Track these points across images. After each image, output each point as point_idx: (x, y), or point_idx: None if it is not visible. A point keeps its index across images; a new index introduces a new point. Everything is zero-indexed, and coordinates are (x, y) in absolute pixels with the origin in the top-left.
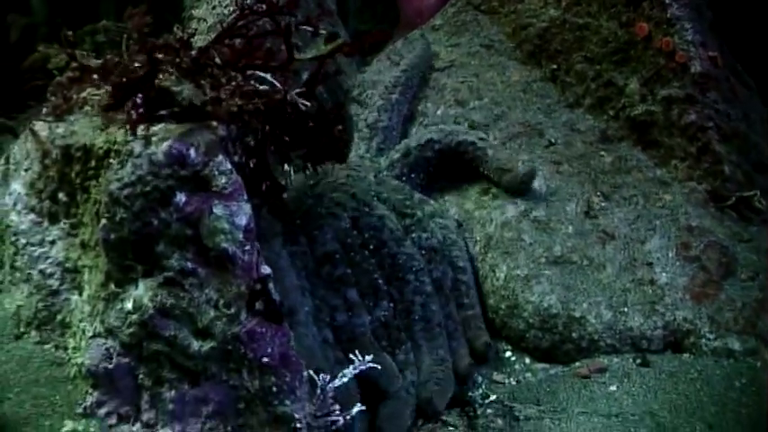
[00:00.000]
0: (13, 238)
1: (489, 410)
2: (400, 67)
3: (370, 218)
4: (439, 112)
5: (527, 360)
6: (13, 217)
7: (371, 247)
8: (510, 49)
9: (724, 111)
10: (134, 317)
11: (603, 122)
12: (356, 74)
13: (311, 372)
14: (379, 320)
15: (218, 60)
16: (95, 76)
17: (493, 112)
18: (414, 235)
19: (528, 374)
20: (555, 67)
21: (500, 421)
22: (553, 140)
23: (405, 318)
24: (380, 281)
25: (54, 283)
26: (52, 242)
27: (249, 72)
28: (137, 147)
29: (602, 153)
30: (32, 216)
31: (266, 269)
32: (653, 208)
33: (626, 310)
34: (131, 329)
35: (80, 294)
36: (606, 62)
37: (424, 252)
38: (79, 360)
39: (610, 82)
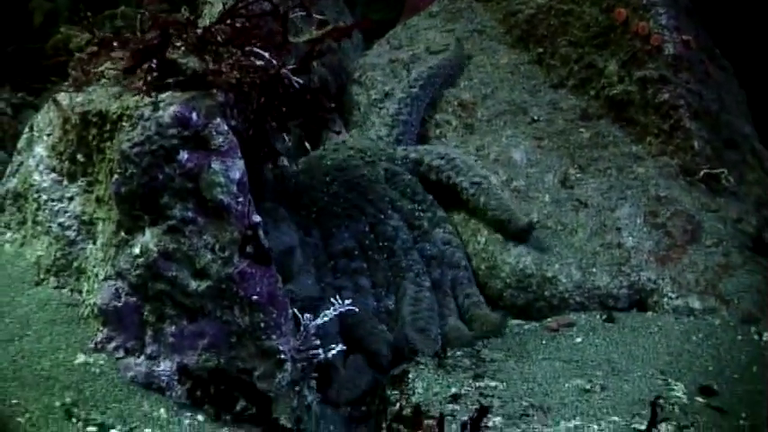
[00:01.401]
0: (36, 196)
1: (459, 353)
2: (427, 63)
3: (386, 227)
4: None
5: None
6: (36, 177)
7: (385, 254)
8: (500, 34)
9: (696, 90)
10: (141, 260)
11: (584, 102)
12: (359, 57)
13: (296, 310)
14: (386, 309)
15: (219, 38)
16: (112, 51)
17: (481, 92)
18: (418, 245)
19: (504, 330)
20: (541, 50)
21: (467, 361)
22: (536, 118)
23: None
24: (392, 278)
25: (71, 234)
26: (70, 198)
27: (247, 49)
28: (146, 111)
29: (582, 129)
30: (53, 175)
31: (257, 218)
32: (626, 179)
33: (594, 270)
34: (138, 271)
35: (94, 243)
36: (588, 46)
37: (425, 259)
38: (92, 301)
39: (591, 64)
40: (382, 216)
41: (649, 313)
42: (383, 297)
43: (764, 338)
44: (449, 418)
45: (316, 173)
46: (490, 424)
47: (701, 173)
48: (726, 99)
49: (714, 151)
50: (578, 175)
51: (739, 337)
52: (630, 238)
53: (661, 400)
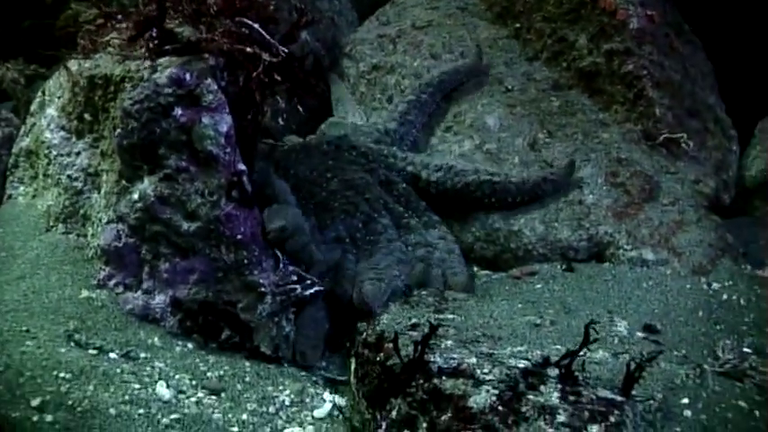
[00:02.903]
0: (47, 151)
1: (424, 292)
2: (442, 68)
3: (377, 224)
4: (415, 64)
5: (475, 268)
6: (47, 134)
7: (371, 246)
8: (481, 11)
9: (659, 62)
10: (139, 204)
11: (557, 73)
12: (351, 33)
13: (276, 250)
14: None
15: (212, 10)
16: (117, 23)
17: None
18: (402, 238)
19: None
20: (518, 25)
21: (431, 299)
22: (510, 87)
23: None
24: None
25: (78, 185)
26: (78, 153)
27: (237, 19)
28: (146, 73)
29: (553, 98)
30: (63, 133)
31: (242, 166)
32: (590, 143)
33: (557, 225)
34: (137, 215)
35: (98, 192)
36: (561, 21)
37: (409, 247)
38: (96, 243)
39: (563, 38)
40: (376, 215)
41: (606, 264)
42: None
43: (713, 287)
44: (406, 341)
45: (317, 166)
46: (443, 346)
47: (662, 137)
48: (690, 71)
49: (675, 119)
50: (546, 140)
51: (688, 286)
52: (591, 195)
53: (603, 333)
